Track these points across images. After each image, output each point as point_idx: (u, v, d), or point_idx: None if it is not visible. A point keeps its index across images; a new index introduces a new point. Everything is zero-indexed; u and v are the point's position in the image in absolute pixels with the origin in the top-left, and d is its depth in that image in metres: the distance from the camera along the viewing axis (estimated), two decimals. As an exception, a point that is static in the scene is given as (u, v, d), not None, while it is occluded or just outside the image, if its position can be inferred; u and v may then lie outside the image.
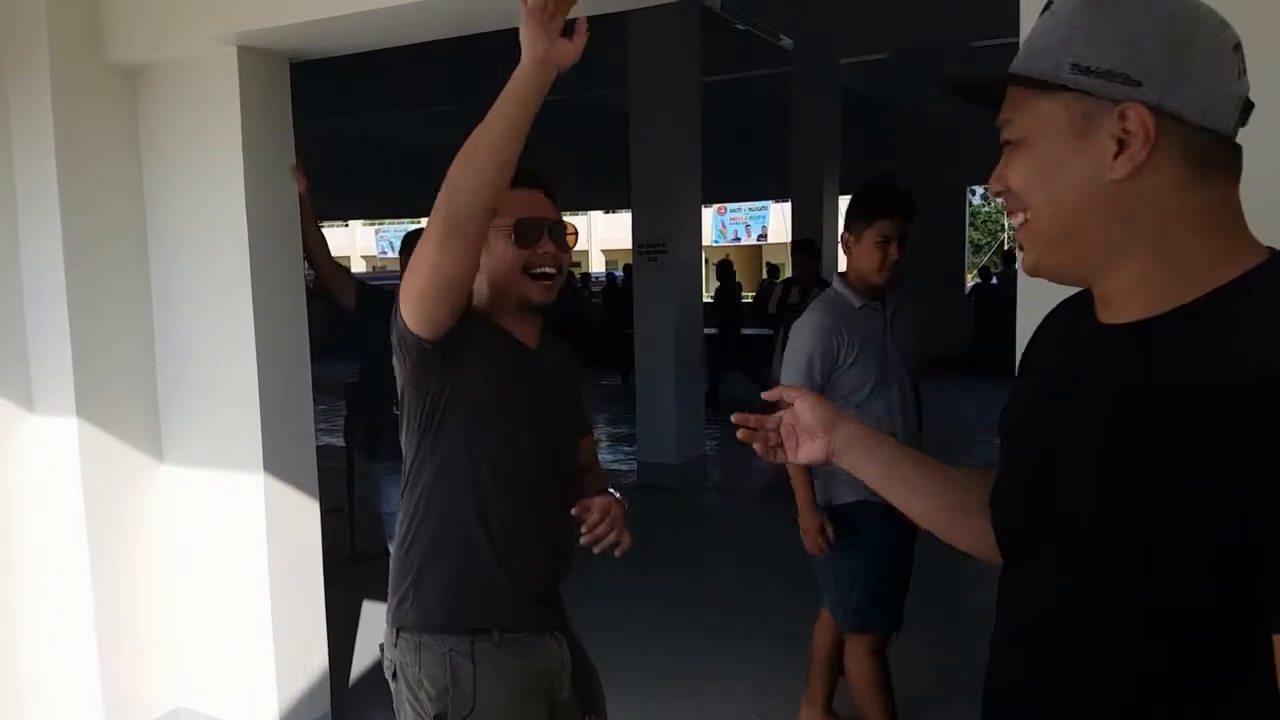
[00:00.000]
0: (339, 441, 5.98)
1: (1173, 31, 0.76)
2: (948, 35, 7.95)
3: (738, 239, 27.60)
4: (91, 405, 2.66)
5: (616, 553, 1.62)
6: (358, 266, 30.02)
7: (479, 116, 1.35)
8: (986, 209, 25.00)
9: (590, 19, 1.32)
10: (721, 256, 12.65)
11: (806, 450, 1.16)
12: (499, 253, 1.57)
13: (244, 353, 2.68)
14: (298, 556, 2.83)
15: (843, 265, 2.75)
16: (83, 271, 2.63)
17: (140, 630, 2.82)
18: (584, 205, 21.03)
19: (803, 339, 2.53)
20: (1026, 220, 0.85)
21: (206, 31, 2.54)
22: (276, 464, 2.73)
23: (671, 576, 4.47)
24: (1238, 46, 0.78)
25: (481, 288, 1.59)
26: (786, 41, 8.70)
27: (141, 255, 2.81)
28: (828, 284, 6.74)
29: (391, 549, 1.68)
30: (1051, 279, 0.88)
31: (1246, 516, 0.68)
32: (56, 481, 2.68)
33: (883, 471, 1.14)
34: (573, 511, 1.59)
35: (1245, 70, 0.78)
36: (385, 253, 30.13)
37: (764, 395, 1.22)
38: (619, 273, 17.13)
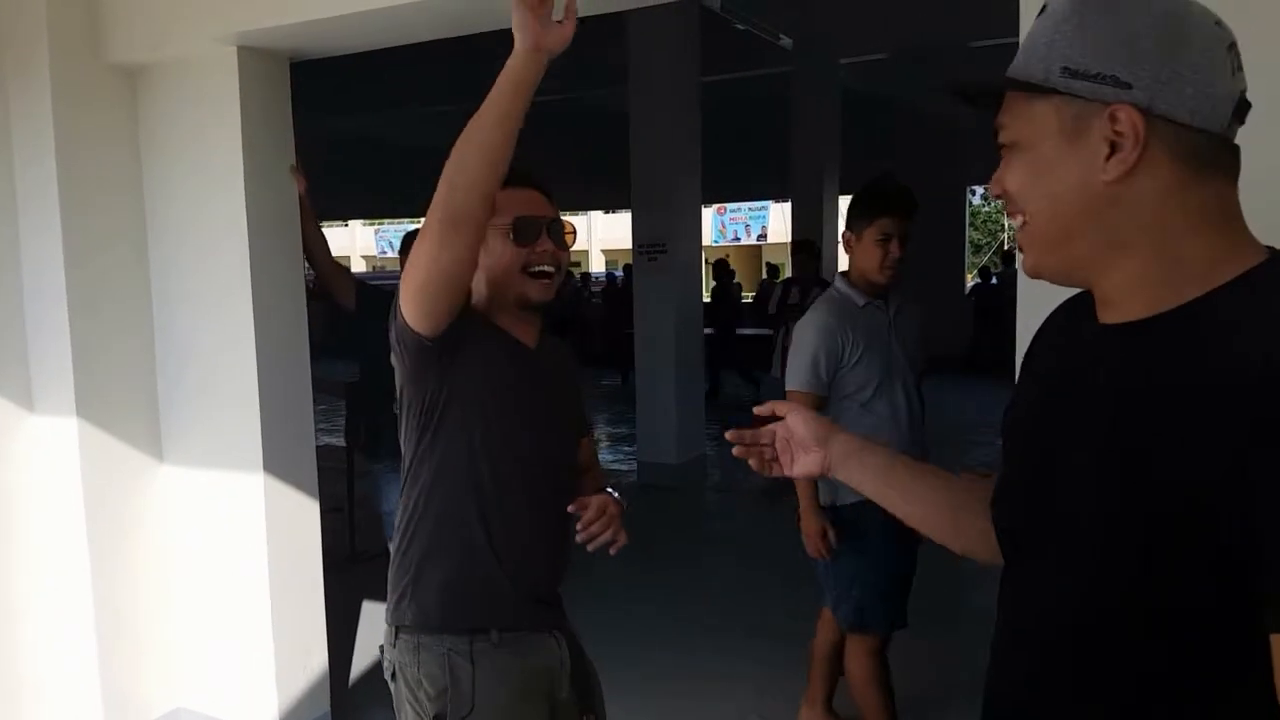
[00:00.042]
0: (339, 441, 5.98)
1: (1163, 33, 0.76)
2: (948, 35, 7.95)
3: (737, 239, 27.60)
4: (91, 405, 2.66)
5: (611, 551, 1.62)
6: (358, 266, 30.02)
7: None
8: (986, 209, 25.01)
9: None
10: (721, 256, 12.65)
11: (802, 463, 1.17)
12: (497, 251, 1.57)
13: (244, 353, 2.68)
14: (298, 556, 2.84)
15: (844, 265, 2.75)
16: (83, 271, 2.63)
17: (140, 630, 2.82)
18: (584, 205, 21.04)
19: (807, 338, 2.53)
20: (1025, 223, 0.86)
21: (206, 31, 2.54)
22: (276, 464, 2.73)
23: (671, 576, 4.48)
24: (1232, 45, 0.78)
25: (480, 287, 1.59)
26: (786, 41, 8.71)
27: (141, 255, 2.81)
28: (828, 284, 6.71)
29: (391, 548, 1.68)
30: (1052, 280, 0.88)
31: (1246, 516, 0.68)
32: (56, 481, 2.68)
33: (879, 481, 1.15)
34: (570, 509, 1.59)
35: (1241, 69, 0.78)
36: (385, 252, 30.14)
37: (756, 410, 1.22)
38: (619, 273, 17.13)
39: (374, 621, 3.71)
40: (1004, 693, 0.92)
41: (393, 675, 1.61)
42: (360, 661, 3.51)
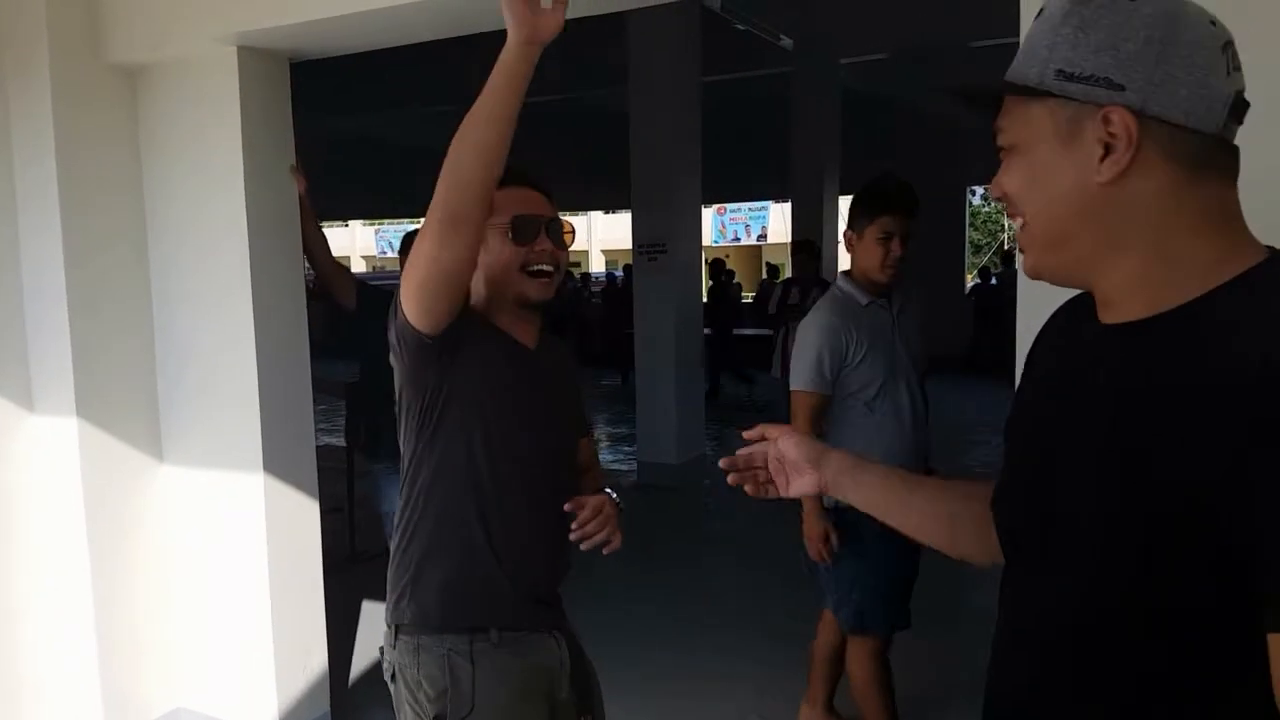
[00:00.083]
0: (339, 441, 5.98)
1: (1156, 34, 0.76)
2: (948, 35, 7.95)
3: (737, 239, 27.61)
4: (91, 405, 2.66)
5: (605, 552, 1.62)
6: (357, 266, 30.02)
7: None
8: (986, 209, 25.00)
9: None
10: (717, 256, 12.64)
11: (798, 485, 1.17)
12: (496, 250, 1.56)
13: (244, 353, 2.68)
14: (297, 556, 2.84)
15: (844, 265, 2.74)
16: (83, 271, 2.63)
17: (140, 630, 2.82)
18: (584, 205, 21.04)
19: (810, 337, 2.51)
20: (1025, 224, 0.86)
21: (206, 31, 2.54)
22: (276, 464, 2.73)
23: (671, 576, 4.48)
24: (1227, 45, 0.78)
25: (479, 287, 1.59)
26: (786, 41, 8.71)
27: (141, 255, 2.81)
28: (828, 284, 6.72)
29: (390, 547, 1.68)
30: (1052, 281, 0.88)
31: (1246, 516, 0.68)
32: (56, 481, 2.68)
33: (876, 495, 1.15)
34: (566, 507, 1.59)
35: (1238, 68, 0.78)
36: (385, 253, 30.14)
37: (745, 435, 1.22)
38: (619, 273, 17.14)
39: (374, 621, 3.71)
40: (1004, 693, 0.92)
41: (392, 676, 1.61)
42: (360, 662, 3.51)
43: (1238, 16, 0.83)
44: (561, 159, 10.48)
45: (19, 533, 2.70)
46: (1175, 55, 0.76)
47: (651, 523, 5.39)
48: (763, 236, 26.99)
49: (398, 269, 3.16)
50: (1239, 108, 0.78)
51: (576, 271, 20.09)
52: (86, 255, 2.65)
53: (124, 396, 2.77)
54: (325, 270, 3.16)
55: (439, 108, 10.28)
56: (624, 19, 6.08)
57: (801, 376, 2.51)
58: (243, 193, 2.62)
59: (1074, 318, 0.91)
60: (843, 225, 2.66)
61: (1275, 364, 0.68)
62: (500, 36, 1.29)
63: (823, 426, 2.53)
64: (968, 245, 15.19)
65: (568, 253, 1.66)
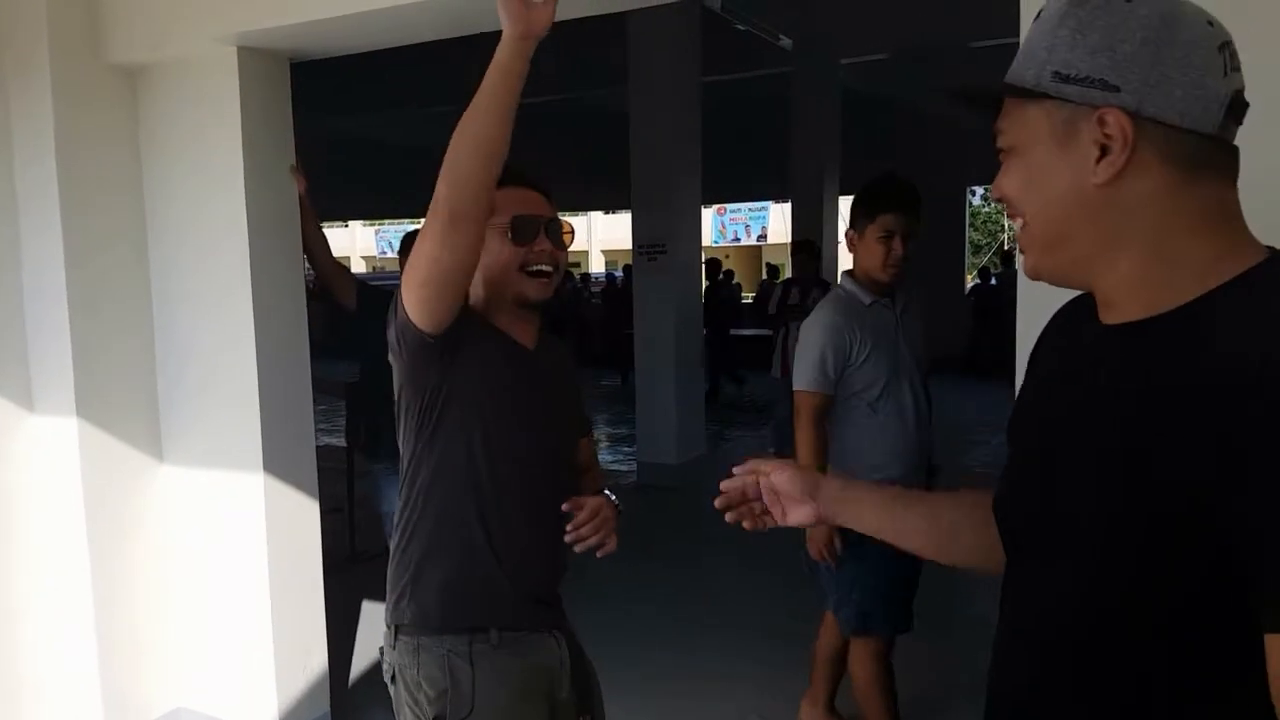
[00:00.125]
0: (339, 441, 5.98)
1: (1151, 34, 0.76)
2: (948, 35, 7.95)
3: (737, 239, 27.60)
4: (91, 405, 2.66)
5: (599, 554, 1.62)
6: (357, 267, 30.02)
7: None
8: (986, 209, 25.00)
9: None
10: (721, 256, 12.64)
11: (795, 515, 1.17)
12: (495, 250, 1.56)
13: (244, 353, 2.68)
14: (298, 556, 2.84)
15: (844, 265, 2.74)
16: (83, 271, 2.64)
17: (140, 630, 2.82)
18: (584, 205, 21.03)
19: (814, 337, 2.50)
20: (1025, 225, 0.86)
21: (206, 31, 2.54)
22: (276, 464, 2.73)
23: (671, 576, 4.48)
24: (1224, 45, 0.78)
25: (477, 287, 1.59)
26: (786, 41, 8.70)
27: (142, 255, 2.81)
28: (828, 285, 6.71)
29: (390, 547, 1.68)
30: (1052, 282, 0.88)
31: (1246, 516, 0.68)
32: (56, 481, 2.68)
33: (875, 518, 1.15)
34: (564, 507, 1.60)
35: (1237, 68, 0.78)
36: (385, 253, 30.13)
37: (735, 470, 1.20)
38: (619, 273, 17.14)
39: (374, 622, 3.71)
40: (1005, 693, 0.92)
41: (392, 678, 1.61)
42: (360, 662, 3.51)
43: (1237, 16, 0.83)
44: (561, 159, 10.48)
45: (19, 533, 2.70)
46: (1171, 56, 0.76)
47: (651, 523, 5.39)
48: (763, 237, 26.98)
49: (398, 269, 3.16)
50: (1237, 108, 0.78)
51: (576, 272, 20.09)
52: (87, 255, 2.65)
53: (124, 396, 2.77)
54: (325, 270, 3.16)
55: (439, 108, 10.27)
56: (624, 19, 6.08)
57: (805, 376, 2.49)
58: (243, 193, 2.62)
59: (1076, 318, 0.92)
60: (843, 225, 2.66)
61: (1275, 363, 0.68)
62: (499, 35, 1.30)
63: (826, 427, 2.52)
64: (968, 245, 15.18)
65: (567, 253, 1.66)
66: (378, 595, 1.65)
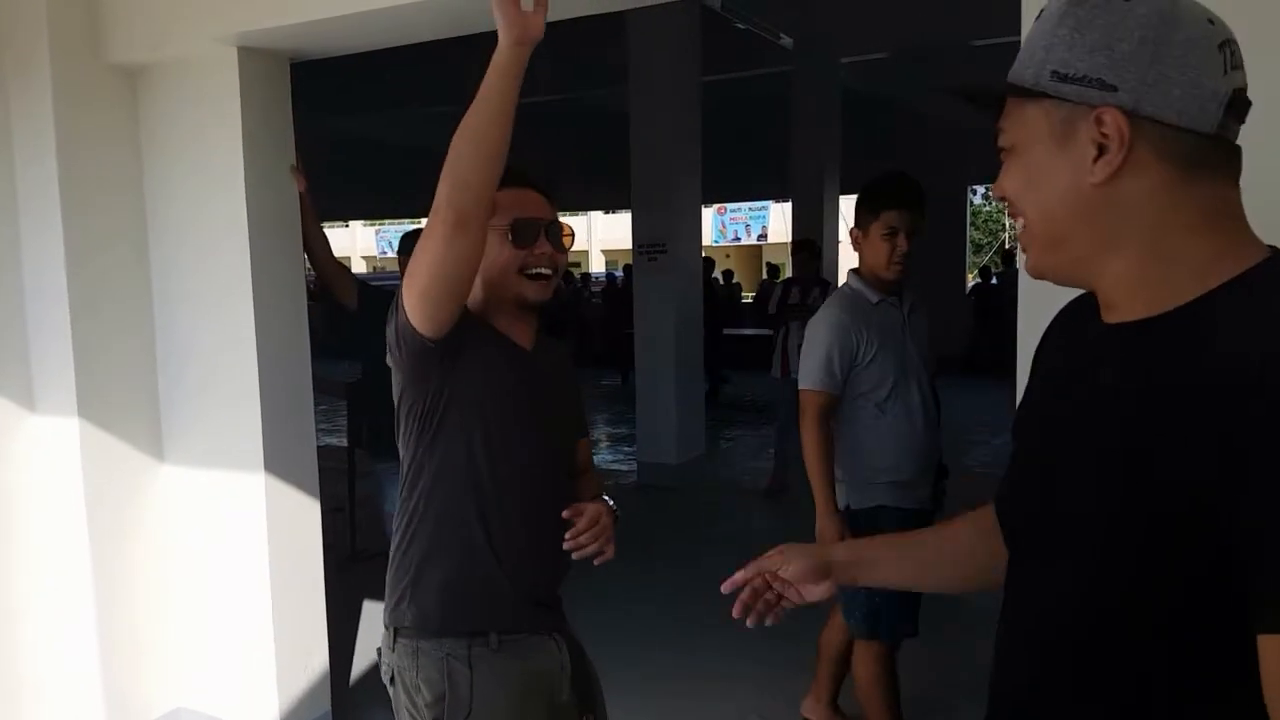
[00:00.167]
0: (340, 441, 5.98)
1: (1149, 34, 0.76)
2: (948, 35, 7.94)
3: (738, 239, 27.60)
4: (92, 405, 2.66)
5: (596, 562, 1.62)
6: (358, 267, 30.03)
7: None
8: (987, 209, 25.00)
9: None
10: (721, 256, 12.63)
11: (812, 593, 1.15)
12: (495, 252, 1.56)
13: (245, 352, 2.68)
14: (299, 556, 2.84)
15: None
16: (84, 271, 2.64)
17: (141, 630, 2.82)
18: (584, 205, 21.02)
19: (820, 335, 2.47)
20: (1025, 224, 0.86)
21: (206, 31, 2.54)
22: (277, 464, 2.73)
23: (671, 576, 4.47)
24: (1224, 43, 0.77)
25: (476, 289, 1.58)
26: (786, 41, 8.70)
27: (142, 255, 2.82)
28: (828, 284, 6.68)
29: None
30: (1053, 281, 0.89)
31: (1246, 515, 0.68)
32: (57, 481, 2.68)
33: (895, 569, 1.16)
34: (564, 514, 1.59)
35: (1237, 66, 0.78)
36: (385, 253, 30.14)
37: (738, 575, 1.17)
38: (619, 273, 17.14)
39: (375, 622, 3.71)
40: (1005, 693, 0.92)
41: (391, 679, 1.61)
42: (361, 662, 3.51)
43: (1236, 16, 0.83)
44: (561, 159, 10.49)
45: (20, 533, 2.71)
46: (1169, 55, 0.76)
47: (651, 523, 5.39)
48: (763, 236, 26.98)
49: (398, 269, 3.16)
50: (1238, 106, 0.78)
51: (577, 271, 20.08)
52: (87, 255, 2.65)
53: (125, 396, 2.77)
54: (326, 270, 3.16)
55: (439, 108, 10.26)
56: (624, 19, 6.08)
57: (811, 376, 2.46)
58: (243, 192, 2.62)
59: (1080, 316, 0.92)
60: (843, 225, 2.65)
61: (1276, 363, 0.68)
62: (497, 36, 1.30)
63: (832, 427, 2.50)
64: (968, 245, 15.18)
65: (566, 255, 1.66)
66: (379, 595, 1.65)
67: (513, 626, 1.58)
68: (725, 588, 1.17)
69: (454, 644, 1.54)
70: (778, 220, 24.26)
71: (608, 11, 2.46)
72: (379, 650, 1.65)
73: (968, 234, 14.37)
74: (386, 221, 29.55)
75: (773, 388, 6.25)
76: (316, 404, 2.96)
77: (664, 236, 6.26)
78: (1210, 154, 0.78)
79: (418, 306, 1.43)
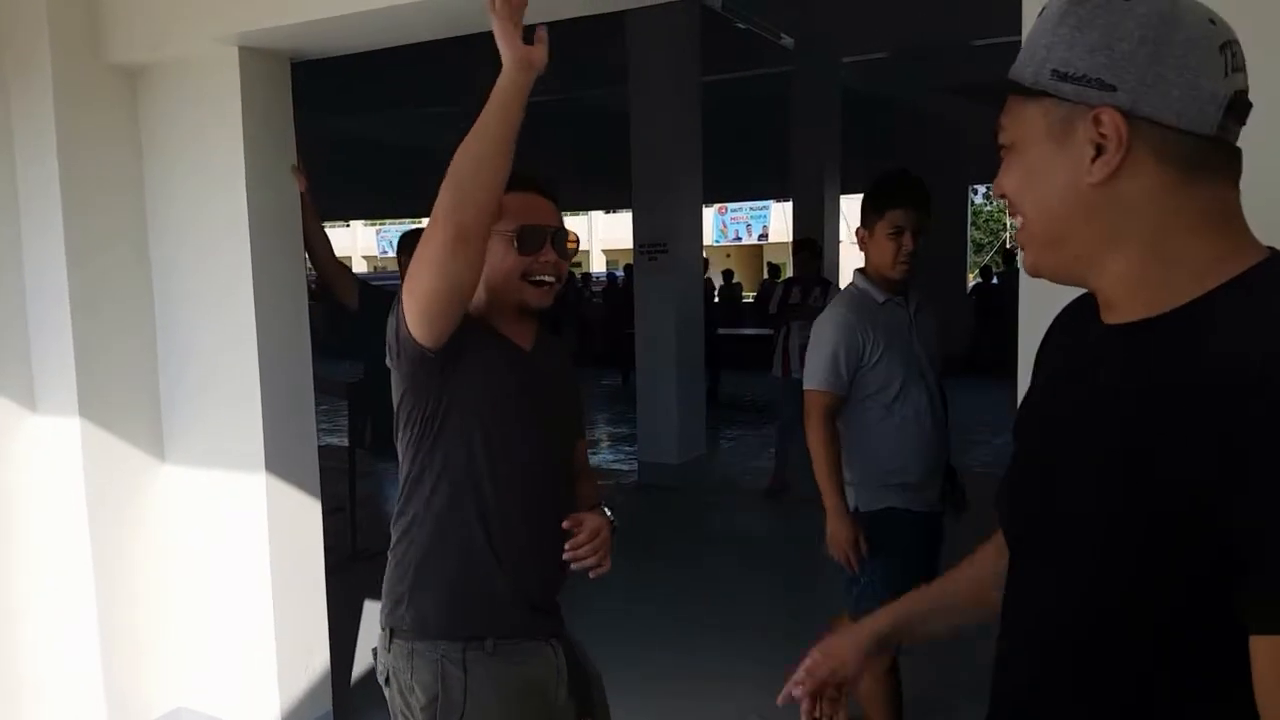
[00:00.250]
0: (341, 441, 5.98)
1: (1150, 34, 0.76)
2: (948, 35, 7.94)
3: (739, 239, 27.60)
4: (93, 405, 2.66)
5: (592, 575, 1.62)
6: (359, 266, 30.06)
7: (477, 117, 1.36)
8: (988, 208, 25.00)
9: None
10: (722, 255, 12.64)
11: (865, 673, 1.14)
12: (499, 256, 1.56)
13: (245, 352, 2.68)
14: (299, 556, 2.84)
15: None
16: (84, 271, 2.64)
17: (141, 630, 2.83)
18: (584, 205, 21.03)
19: (826, 334, 2.45)
20: (1024, 223, 0.86)
21: (207, 31, 2.54)
22: (278, 463, 2.73)
23: (671, 576, 4.48)
24: (1226, 45, 0.77)
25: (478, 291, 1.58)
26: (787, 41, 8.70)
27: (143, 255, 2.82)
28: (829, 283, 6.67)
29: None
30: (1051, 280, 0.88)
31: (1245, 515, 0.68)
32: (58, 481, 2.69)
33: (940, 621, 1.15)
34: (565, 525, 1.60)
35: (1240, 68, 0.78)
36: (386, 252, 30.15)
37: (793, 693, 1.13)
38: (619, 272, 17.14)
39: (376, 621, 3.71)
40: (1006, 693, 0.92)
41: (386, 680, 1.61)
42: (362, 661, 3.51)
43: (1238, 16, 0.82)
44: (561, 159, 10.48)
45: (21, 532, 2.71)
46: (1169, 56, 0.75)
47: (652, 523, 5.39)
48: (764, 236, 26.98)
49: (398, 269, 3.17)
50: (1239, 108, 0.78)
51: (578, 271, 20.08)
52: (88, 255, 2.65)
53: (126, 396, 2.77)
54: (327, 270, 3.16)
55: (439, 108, 10.28)
56: (624, 18, 6.08)
57: (816, 376, 2.44)
58: (244, 192, 2.62)
59: (1081, 316, 0.91)
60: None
61: (1276, 363, 0.68)
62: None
63: (838, 427, 2.48)
64: (969, 244, 15.17)
65: (570, 261, 1.66)
66: (380, 595, 1.65)
67: (509, 632, 1.58)
68: (780, 702, 1.15)
69: (449, 647, 1.54)
70: (779, 220, 24.26)
71: (608, 11, 2.46)
72: (374, 651, 1.65)
73: (969, 233, 14.36)
74: (387, 221, 29.57)
75: (773, 387, 6.25)
76: (317, 404, 2.96)
77: (665, 236, 6.26)
78: (1210, 156, 0.78)
79: (418, 320, 1.43)
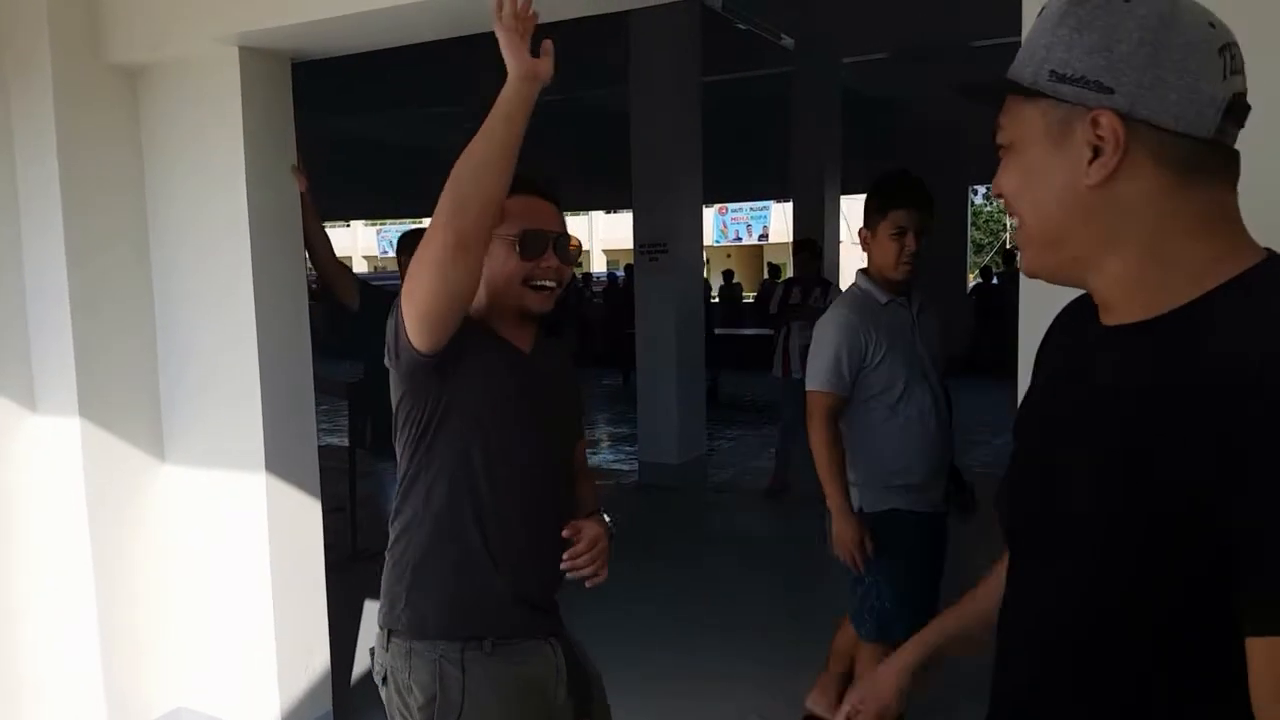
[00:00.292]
0: (341, 441, 5.99)
1: (1149, 36, 0.76)
2: (948, 35, 7.94)
3: (739, 239, 27.60)
4: (93, 405, 2.66)
5: (589, 585, 1.62)
6: (359, 266, 30.07)
7: (480, 117, 1.37)
8: (988, 209, 24.99)
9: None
10: (723, 256, 12.64)
11: (901, 699, 1.16)
12: (501, 260, 1.55)
13: (246, 352, 2.68)
14: (300, 556, 2.84)
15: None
16: (84, 271, 2.64)
17: (141, 630, 2.83)
18: (584, 205, 21.03)
19: (828, 335, 2.44)
20: (1022, 223, 0.86)
21: (207, 31, 2.54)
22: (278, 463, 2.73)
23: (671, 576, 4.48)
24: (1225, 47, 0.77)
25: (478, 294, 1.58)
26: (787, 41, 8.70)
27: (143, 255, 2.82)
28: (829, 284, 6.66)
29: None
30: (1049, 280, 0.88)
31: (1244, 515, 0.68)
32: (58, 481, 2.69)
33: (971, 640, 1.15)
34: (564, 533, 1.60)
35: (1238, 70, 0.78)
36: (386, 252, 30.15)
37: None
38: (620, 273, 17.14)
39: (375, 621, 3.71)
40: (1006, 693, 0.92)
41: (384, 680, 1.60)
42: (362, 661, 3.51)
43: (1237, 17, 0.82)
44: (561, 159, 10.47)
45: (21, 532, 2.71)
46: (1167, 58, 0.75)
47: (652, 523, 5.39)
48: (764, 236, 26.98)
49: (398, 269, 3.17)
50: (1237, 110, 0.78)
51: (578, 271, 20.08)
52: (88, 255, 2.65)
53: (126, 396, 2.77)
54: (327, 270, 3.16)
55: (440, 108, 10.29)
56: (624, 19, 6.08)
57: (819, 376, 2.44)
58: (244, 192, 2.62)
59: (1081, 316, 0.91)
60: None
61: (1275, 363, 0.68)
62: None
63: (841, 428, 2.47)
64: (969, 244, 15.17)
65: (572, 267, 1.66)
66: (380, 595, 1.65)
67: (508, 632, 1.57)
68: None
69: (447, 647, 1.54)
70: (779, 220, 24.25)
71: (608, 11, 2.46)
72: (371, 650, 1.64)
73: (969, 234, 14.36)
74: (388, 221, 29.57)
75: (773, 387, 6.25)
76: (317, 404, 2.96)
77: (665, 236, 6.26)
78: (1207, 159, 0.78)
79: (416, 325, 1.43)
